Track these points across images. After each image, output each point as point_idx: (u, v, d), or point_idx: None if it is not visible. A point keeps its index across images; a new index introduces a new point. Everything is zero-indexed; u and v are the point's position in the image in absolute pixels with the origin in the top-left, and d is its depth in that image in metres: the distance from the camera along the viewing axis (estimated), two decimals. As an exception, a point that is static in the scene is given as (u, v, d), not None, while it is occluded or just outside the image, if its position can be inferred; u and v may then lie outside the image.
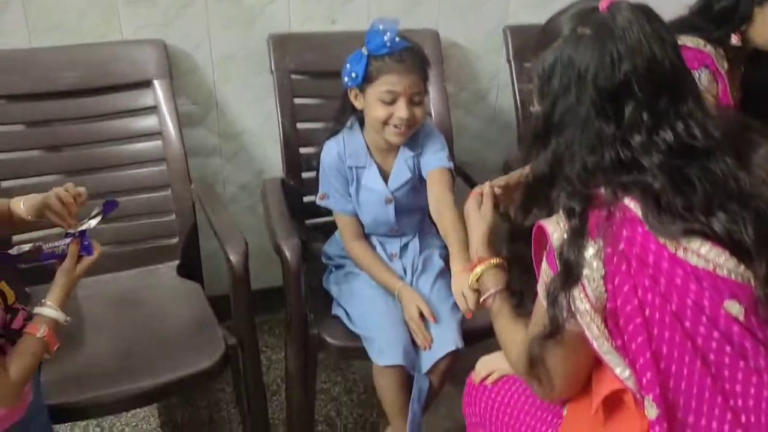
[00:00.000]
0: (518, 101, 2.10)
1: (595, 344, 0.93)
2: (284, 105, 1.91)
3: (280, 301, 1.72)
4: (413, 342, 1.61)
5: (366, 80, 1.59)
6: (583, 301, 0.93)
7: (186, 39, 1.90)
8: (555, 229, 0.96)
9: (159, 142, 1.83)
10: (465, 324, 1.63)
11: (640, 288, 0.90)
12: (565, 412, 1.13)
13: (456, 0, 2.07)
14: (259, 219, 2.14)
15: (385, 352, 1.57)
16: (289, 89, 1.91)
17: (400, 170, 1.70)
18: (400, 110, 1.58)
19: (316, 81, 1.96)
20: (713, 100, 1.71)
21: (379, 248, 1.76)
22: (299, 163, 1.94)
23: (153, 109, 1.83)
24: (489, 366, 1.33)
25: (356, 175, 1.70)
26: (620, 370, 0.92)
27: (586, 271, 0.92)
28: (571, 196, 0.96)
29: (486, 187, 1.31)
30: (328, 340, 1.64)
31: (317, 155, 1.75)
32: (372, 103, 1.61)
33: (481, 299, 1.22)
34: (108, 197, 1.67)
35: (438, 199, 1.57)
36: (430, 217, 1.87)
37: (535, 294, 1.05)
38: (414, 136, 1.68)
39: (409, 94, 1.58)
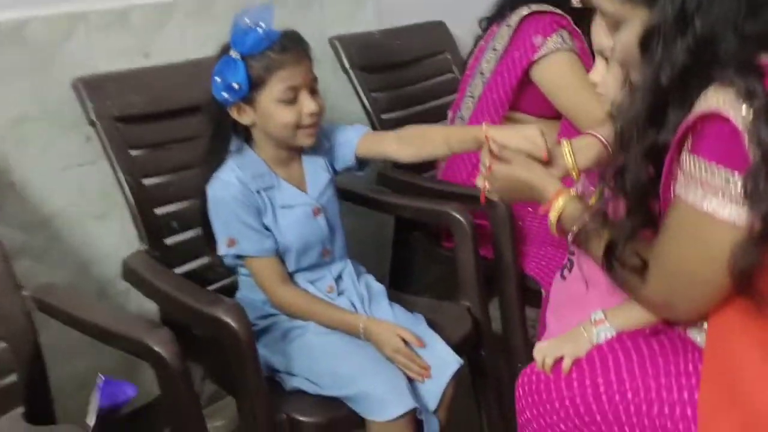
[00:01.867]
0: (369, 110, 1.92)
1: None
2: (122, 159, 1.46)
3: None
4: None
5: (254, 87, 1.29)
6: None
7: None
8: (736, 113, 0.81)
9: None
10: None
11: None
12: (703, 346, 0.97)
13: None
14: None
15: (388, 401, 1.24)
16: (121, 140, 1.48)
17: (315, 173, 1.43)
18: (308, 104, 1.32)
19: (147, 126, 1.54)
20: (576, 56, 1.73)
21: (310, 289, 1.41)
22: (159, 227, 1.50)
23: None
24: (554, 351, 1.10)
25: (268, 198, 1.37)
26: None
27: None
28: (744, 72, 0.83)
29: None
30: (304, 419, 1.25)
31: (201, 199, 1.38)
32: (270, 109, 1.31)
33: (574, 231, 1.08)
34: None
35: (400, 136, 1.45)
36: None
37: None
38: None
39: (308, 83, 1.33)
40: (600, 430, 1.03)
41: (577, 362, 1.08)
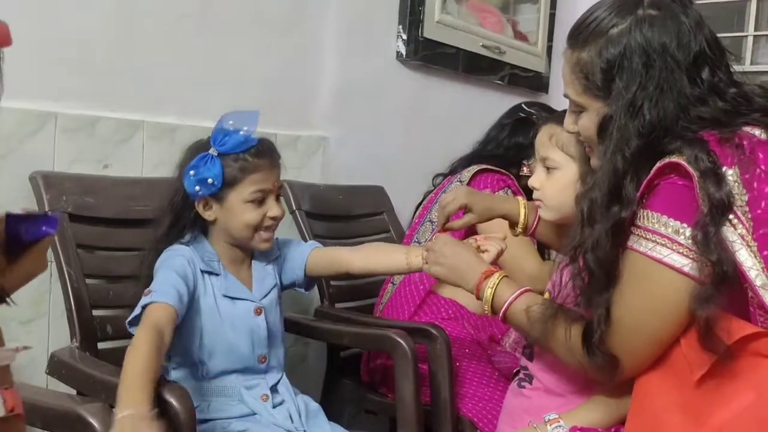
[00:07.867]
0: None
1: (750, 275, 0.87)
2: (68, 254, 1.43)
3: None
4: None
5: (226, 185, 1.34)
6: (737, 227, 0.88)
7: None
8: (694, 168, 0.92)
9: None
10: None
11: None
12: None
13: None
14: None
15: None
16: (71, 236, 1.46)
17: (263, 276, 1.45)
18: (273, 209, 1.38)
19: (98, 229, 1.54)
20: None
21: (244, 393, 1.37)
22: (94, 329, 1.44)
23: None
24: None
25: (211, 283, 1.37)
26: None
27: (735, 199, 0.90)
28: (691, 144, 0.94)
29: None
30: None
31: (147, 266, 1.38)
32: (237, 208, 1.36)
33: (505, 305, 1.16)
34: None
35: (354, 248, 1.53)
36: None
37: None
38: None
39: (276, 189, 1.40)
40: None
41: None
